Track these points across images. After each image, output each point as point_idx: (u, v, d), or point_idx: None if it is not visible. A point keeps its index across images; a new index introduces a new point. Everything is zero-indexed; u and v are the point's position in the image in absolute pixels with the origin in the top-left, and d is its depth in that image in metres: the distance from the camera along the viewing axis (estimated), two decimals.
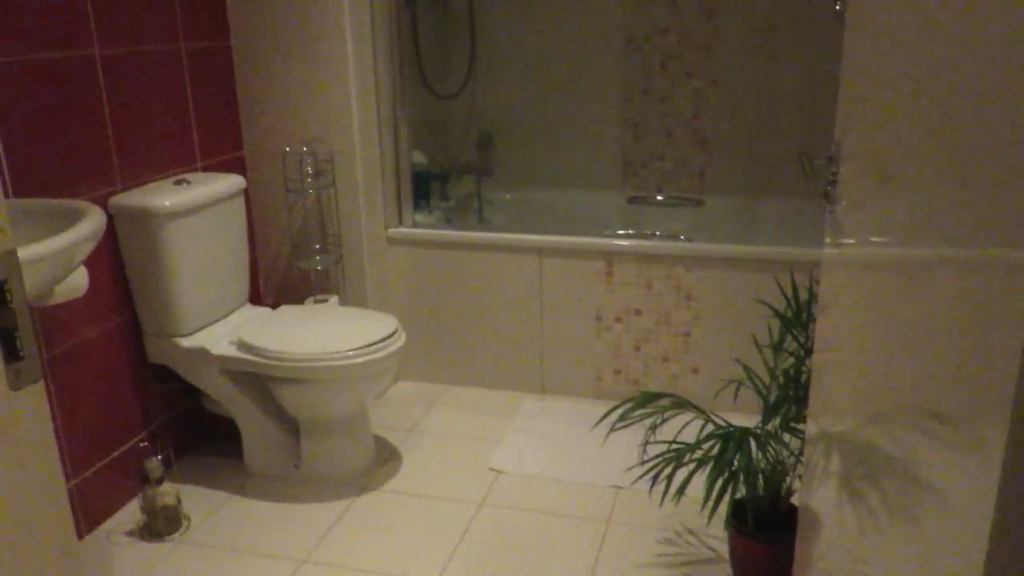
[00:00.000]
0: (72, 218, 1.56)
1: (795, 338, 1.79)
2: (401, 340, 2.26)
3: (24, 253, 1.35)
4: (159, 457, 2.07)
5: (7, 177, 1.84)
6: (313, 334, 2.24)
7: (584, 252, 2.67)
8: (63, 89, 1.96)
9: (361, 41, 2.56)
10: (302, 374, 2.14)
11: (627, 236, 2.73)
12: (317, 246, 2.66)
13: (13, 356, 0.61)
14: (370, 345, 2.17)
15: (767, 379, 1.82)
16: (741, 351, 2.52)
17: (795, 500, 1.80)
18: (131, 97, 2.18)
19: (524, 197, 3.41)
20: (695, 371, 2.68)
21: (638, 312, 2.68)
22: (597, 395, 2.80)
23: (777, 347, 1.80)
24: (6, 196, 1.83)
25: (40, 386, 0.64)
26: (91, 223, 1.49)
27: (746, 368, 1.90)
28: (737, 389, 1.94)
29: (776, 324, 1.85)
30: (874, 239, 1.19)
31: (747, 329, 2.56)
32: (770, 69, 3.08)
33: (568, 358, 2.79)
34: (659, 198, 3.28)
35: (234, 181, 2.36)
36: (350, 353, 2.14)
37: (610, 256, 2.65)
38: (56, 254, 1.40)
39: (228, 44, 2.57)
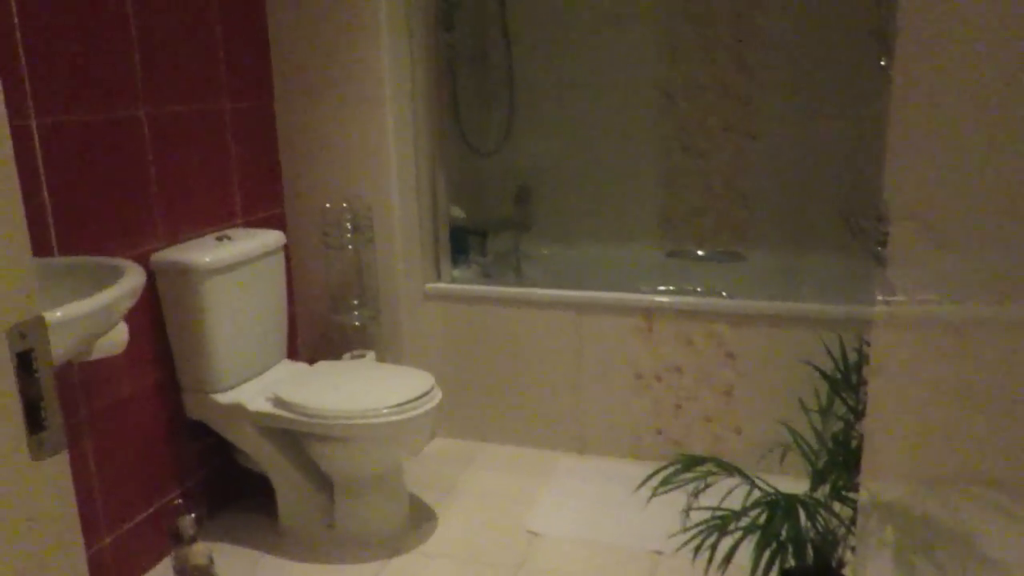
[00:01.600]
0: (113, 275, 1.57)
1: (844, 401, 1.72)
2: (437, 398, 2.23)
3: (64, 312, 1.35)
4: (192, 516, 2.05)
5: (53, 232, 1.87)
6: (349, 391, 2.23)
7: (623, 308, 2.63)
8: (109, 148, 2.00)
9: (401, 99, 2.60)
10: (337, 432, 2.12)
11: (667, 292, 2.69)
12: (355, 301, 2.66)
13: (37, 426, 0.60)
14: (406, 403, 2.14)
15: (814, 442, 1.75)
16: (785, 411, 2.44)
17: (847, 572, 1.71)
18: (175, 156, 2.22)
19: (562, 252, 3.40)
20: (738, 431, 2.60)
21: (679, 370, 2.62)
22: (637, 455, 2.73)
23: (825, 411, 1.73)
24: (52, 254, 1.86)
25: (63, 456, 0.63)
26: (130, 281, 1.50)
27: (792, 432, 1.83)
28: (784, 453, 1.87)
29: (823, 386, 1.79)
30: (929, 299, 1.14)
31: (791, 388, 2.48)
32: (810, 124, 3.05)
33: (607, 417, 2.73)
34: (699, 253, 3.24)
35: (274, 237, 2.38)
36: (385, 411, 2.12)
37: (650, 312, 2.61)
38: (96, 312, 1.41)
39: (271, 104, 2.61)
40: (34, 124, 1.80)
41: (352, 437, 2.13)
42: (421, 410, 2.16)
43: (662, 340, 2.62)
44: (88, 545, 2.00)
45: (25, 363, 0.60)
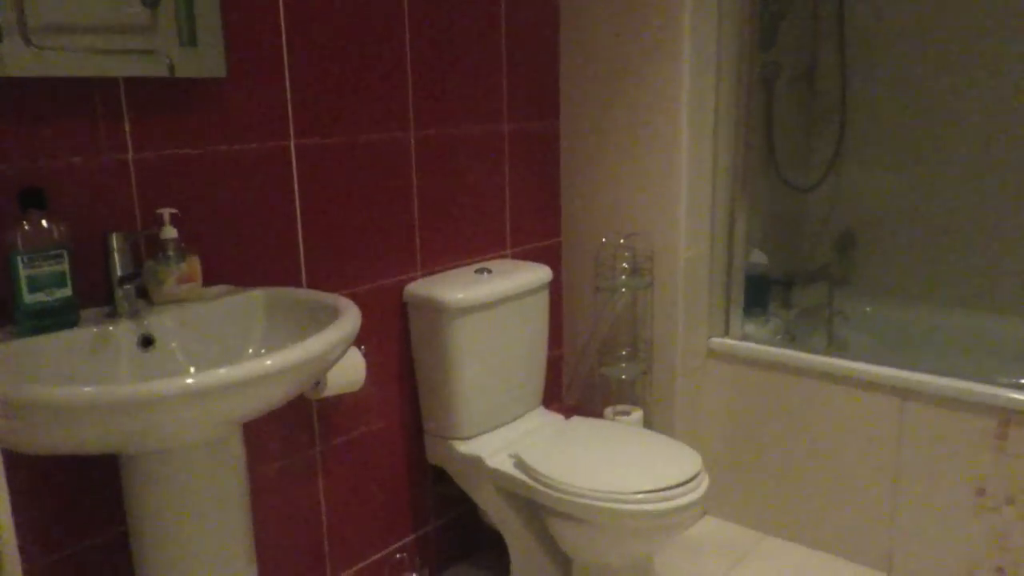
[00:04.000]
0: (329, 315, 1.41)
1: None
2: (703, 488, 1.83)
3: (255, 366, 1.20)
4: (415, 575, 1.87)
5: (302, 248, 1.78)
6: (599, 463, 1.91)
7: (966, 402, 2.01)
8: (371, 169, 1.89)
9: (701, 125, 2.22)
10: (577, 512, 1.81)
11: None
12: (624, 352, 2.33)
13: None
14: (663, 490, 1.77)
15: None
16: None
17: None
18: (441, 178, 2.06)
19: (890, 315, 2.78)
20: None
21: None
22: None
23: None
24: (299, 277, 1.77)
25: None
26: (337, 331, 1.31)
27: None
28: None
29: None
30: None
31: None
32: None
33: (929, 537, 2.12)
34: None
35: (539, 273, 2.14)
36: (638, 497, 1.76)
37: (1006, 413, 1.96)
38: (296, 367, 1.24)
39: (555, 126, 2.38)
40: (292, 144, 1.72)
41: (592, 521, 1.80)
42: (680, 502, 1.78)
43: (1021, 452, 1.96)
44: None
45: None
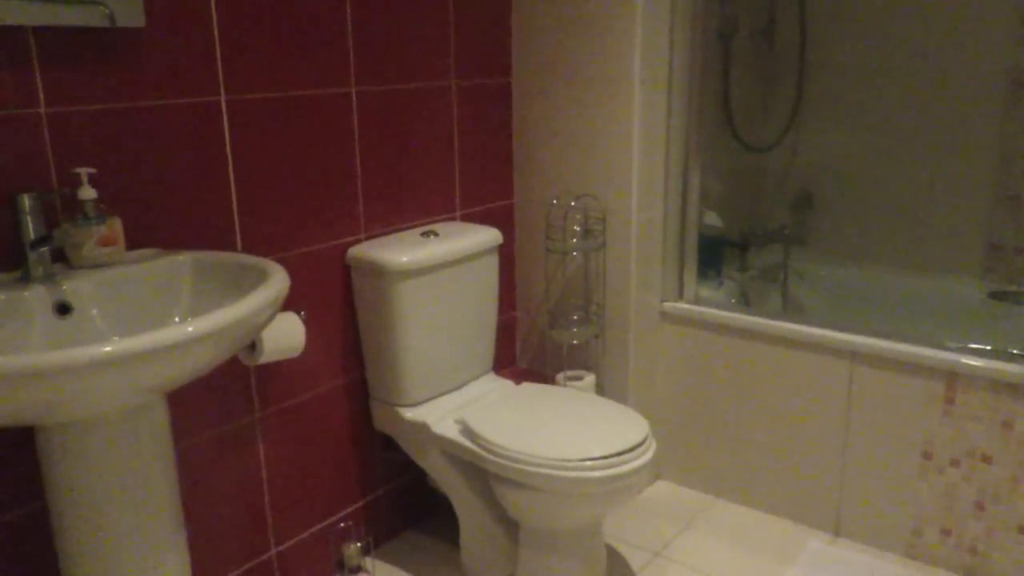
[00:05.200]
0: (257, 278, 1.35)
1: None
2: (649, 454, 1.81)
3: (177, 332, 1.14)
4: (359, 544, 1.83)
5: (237, 210, 1.71)
6: (545, 429, 1.88)
7: (915, 366, 2.01)
8: (310, 127, 1.81)
9: (655, 83, 2.16)
10: (523, 478, 1.78)
11: (982, 352, 2.00)
12: (576, 316, 2.30)
13: None
14: (609, 457, 1.75)
15: None
16: None
17: None
18: (386, 136, 1.99)
19: (844, 275, 2.77)
20: None
21: (986, 459, 1.95)
22: (910, 554, 2.10)
23: None
24: (235, 241, 1.70)
25: None
26: (262, 295, 1.26)
27: None
28: None
29: None
30: None
31: None
32: None
33: (876, 498, 2.13)
34: None
35: (487, 236, 2.08)
36: (585, 464, 1.74)
37: (953, 376, 1.96)
38: (219, 332, 1.18)
39: (507, 83, 2.31)
40: (223, 100, 1.64)
41: (538, 487, 1.78)
42: (624, 468, 1.75)
43: (967, 415, 1.96)
44: (253, 555, 1.86)
45: None
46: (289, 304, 1.82)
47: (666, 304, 2.36)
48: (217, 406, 1.74)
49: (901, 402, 2.04)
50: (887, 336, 2.05)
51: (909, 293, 2.65)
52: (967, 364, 1.94)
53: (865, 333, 2.08)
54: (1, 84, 1.32)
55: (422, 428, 1.96)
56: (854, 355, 2.09)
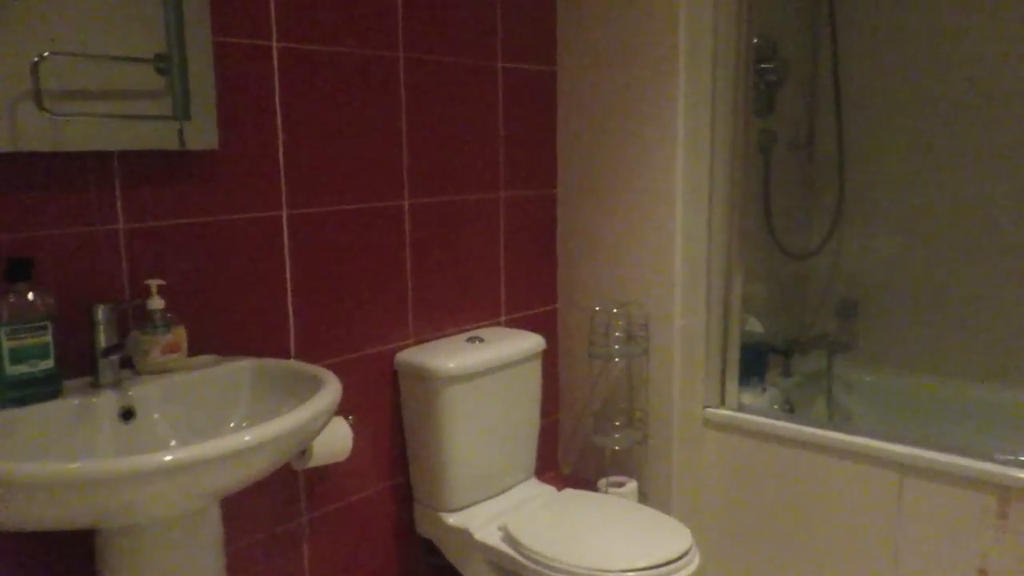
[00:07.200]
0: (312, 386, 1.41)
1: None
2: (693, 565, 1.79)
3: (238, 440, 1.19)
4: None
5: (292, 317, 1.78)
6: (587, 538, 1.87)
7: (966, 478, 1.97)
8: (362, 236, 1.90)
9: (696, 193, 2.23)
10: None
11: None
12: (619, 421, 2.31)
13: None
14: (651, 568, 1.74)
15: None
16: None
17: None
18: (436, 245, 2.08)
19: (890, 383, 2.74)
20: None
21: None
22: None
23: None
24: (288, 348, 1.77)
25: None
26: (317, 404, 1.31)
27: None
28: None
29: None
30: None
31: None
32: None
33: None
34: None
35: (531, 342, 2.13)
36: (626, 575, 1.73)
37: (1006, 490, 1.92)
38: (276, 441, 1.23)
39: (552, 193, 2.40)
40: (284, 215, 1.74)
41: None
42: None
43: (1022, 530, 1.91)
44: None
45: None
46: (338, 408, 1.87)
47: (708, 410, 2.37)
48: (266, 509, 1.78)
49: (953, 516, 2.00)
50: (936, 447, 2.03)
51: (960, 403, 2.61)
52: (1019, 477, 1.90)
53: (914, 443, 2.06)
54: (88, 204, 1.44)
55: (464, 534, 1.97)
56: (902, 466, 2.06)
